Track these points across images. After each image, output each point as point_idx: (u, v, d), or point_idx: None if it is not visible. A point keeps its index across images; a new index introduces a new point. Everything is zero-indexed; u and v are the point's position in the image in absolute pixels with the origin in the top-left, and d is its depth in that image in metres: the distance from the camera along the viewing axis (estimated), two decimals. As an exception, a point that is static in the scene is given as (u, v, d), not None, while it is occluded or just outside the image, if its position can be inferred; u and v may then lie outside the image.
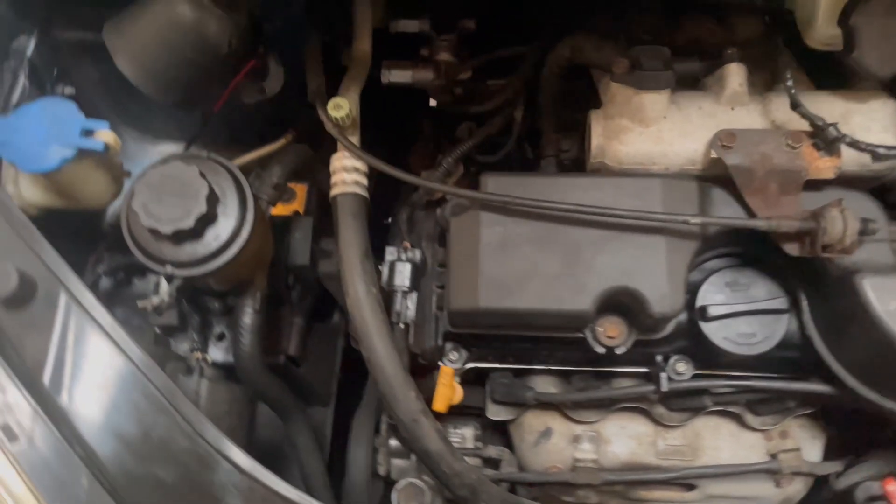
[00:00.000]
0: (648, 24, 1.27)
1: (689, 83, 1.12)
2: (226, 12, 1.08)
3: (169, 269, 1.01)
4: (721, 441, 1.33)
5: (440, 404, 0.99)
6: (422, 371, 1.24)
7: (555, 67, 1.21)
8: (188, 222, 0.96)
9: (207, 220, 1.00)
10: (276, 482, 0.91)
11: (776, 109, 1.06)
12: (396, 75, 1.42)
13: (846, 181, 1.04)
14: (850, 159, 1.01)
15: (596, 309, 1.02)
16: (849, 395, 1.10)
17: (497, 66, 1.37)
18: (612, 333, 1.10)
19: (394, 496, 1.32)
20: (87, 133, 1.01)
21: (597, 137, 1.08)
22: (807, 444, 1.32)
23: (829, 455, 1.33)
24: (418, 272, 1.13)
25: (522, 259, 1.03)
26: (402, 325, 1.11)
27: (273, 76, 1.24)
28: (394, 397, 1.00)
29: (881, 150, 0.95)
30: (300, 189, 1.48)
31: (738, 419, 1.31)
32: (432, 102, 1.60)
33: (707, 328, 1.10)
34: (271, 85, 1.24)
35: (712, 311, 1.09)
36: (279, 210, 1.44)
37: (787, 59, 1.01)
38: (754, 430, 1.32)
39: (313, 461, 1.34)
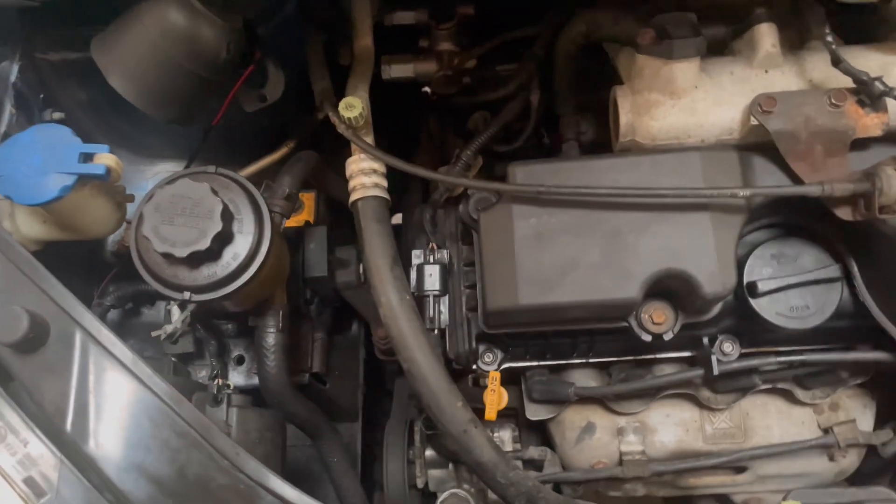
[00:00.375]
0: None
1: (717, 49, 1.06)
2: (220, 16, 1.01)
3: (187, 294, 0.94)
4: (770, 419, 1.29)
5: (491, 412, 0.93)
6: (454, 376, 1.18)
7: (570, 46, 1.15)
8: (204, 243, 0.90)
9: (224, 238, 0.93)
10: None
11: (813, 68, 1.01)
12: (398, 70, 1.36)
13: (894, 139, 0.99)
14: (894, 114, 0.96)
15: (643, 295, 0.97)
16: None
17: (505, 52, 1.31)
18: (658, 319, 1.04)
19: (437, 509, 1.27)
20: (86, 157, 0.94)
21: (625, 114, 1.02)
22: (859, 415, 1.27)
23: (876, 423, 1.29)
24: (447, 274, 1.07)
25: (561, 250, 0.97)
26: (436, 332, 1.05)
27: (273, 81, 1.17)
28: (440, 409, 0.94)
29: (934, 101, 0.89)
30: (307, 198, 1.41)
31: (785, 395, 1.27)
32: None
33: (758, 304, 1.05)
34: (272, 91, 1.17)
35: (762, 287, 1.04)
36: (288, 223, 1.38)
37: (818, 14, 0.95)
38: (804, 404, 1.27)
39: (349, 481, 1.28)
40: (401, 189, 1.37)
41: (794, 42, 1.07)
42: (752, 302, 1.05)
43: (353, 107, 0.99)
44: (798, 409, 1.28)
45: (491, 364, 1.19)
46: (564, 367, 1.28)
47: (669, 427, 1.30)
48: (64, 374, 0.86)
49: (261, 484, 0.86)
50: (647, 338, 1.05)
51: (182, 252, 0.90)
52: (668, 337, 1.05)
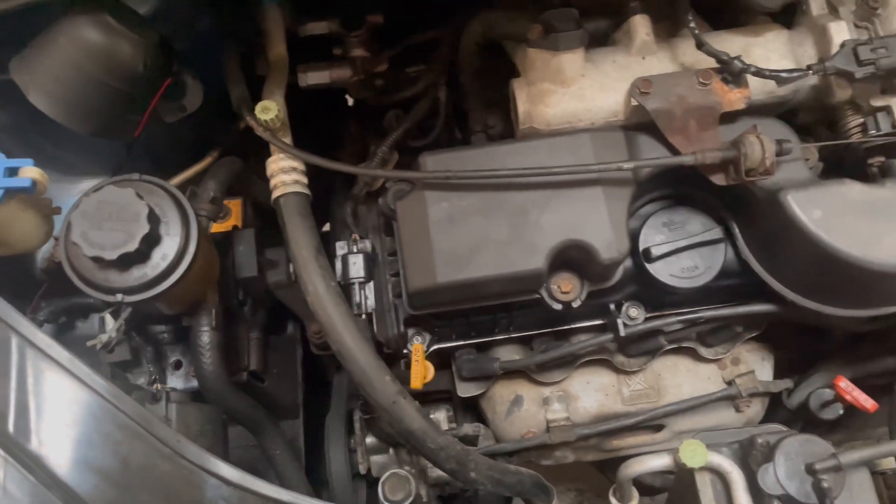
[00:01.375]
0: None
1: (601, 41, 1.17)
2: (136, 32, 1.06)
3: (119, 296, 0.99)
4: (680, 378, 1.40)
5: (416, 381, 1.00)
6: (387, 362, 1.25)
7: (471, 45, 1.25)
8: (133, 245, 0.95)
9: (152, 240, 0.98)
10: (265, 487, 0.91)
11: (683, 53, 1.12)
12: (314, 77, 1.43)
13: (757, 110, 1.12)
14: (757, 89, 1.08)
15: (548, 266, 1.06)
16: (791, 309, 1.18)
17: (413, 54, 1.40)
18: (566, 289, 1.13)
19: (380, 489, 1.33)
20: (11, 172, 0.97)
21: (522, 104, 1.12)
22: (758, 366, 1.40)
23: (778, 376, 1.42)
24: (371, 262, 1.14)
25: (472, 230, 1.05)
26: (363, 316, 1.12)
27: (191, 92, 1.22)
28: (370, 384, 1.01)
29: (783, 74, 1.02)
30: (234, 205, 1.46)
31: (692, 354, 1.38)
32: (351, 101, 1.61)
33: (653, 268, 1.16)
34: (191, 101, 1.22)
35: (655, 252, 1.15)
36: (217, 228, 1.43)
37: (684, 4, 1.07)
38: (708, 361, 1.39)
39: (293, 472, 1.33)
40: (326, 193, 1.44)
41: (669, 31, 1.19)
42: (648, 267, 1.16)
43: (269, 109, 1.05)
44: (704, 366, 1.40)
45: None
46: (490, 345, 1.36)
47: (590, 393, 1.40)
48: (2, 378, 0.89)
49: (203, 468, 0.91)
50: (558, 306, 1.15)
51: (112, 255, 0.94)
52: (576, 304, 1.15)
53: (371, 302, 1.12)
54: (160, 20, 1.19)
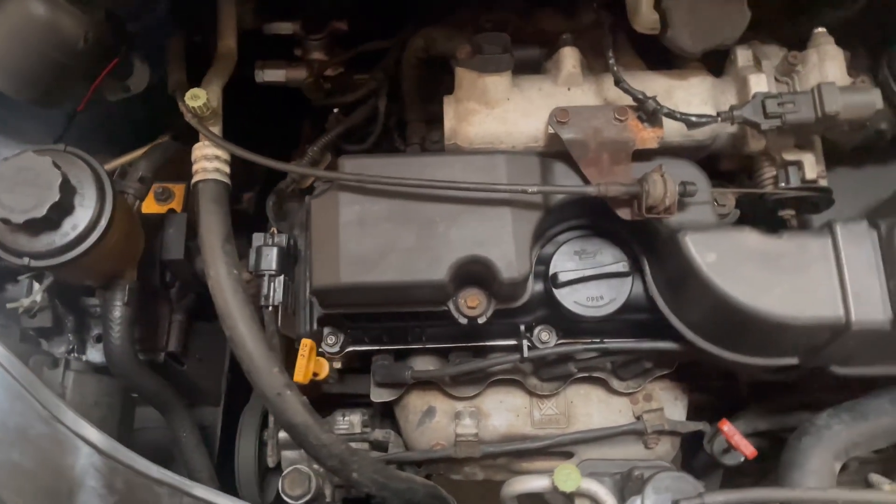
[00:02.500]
0: (503, 17, 1.36)
1: (534, 68, 1.20)
2: (80, 9, 1.09)
3: (26, 260, 1.01)
4: (592, 408, 1.42)
5: (299, 375, 1.02)
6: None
7: (412, 59, 1.28)
8: (40, 211, 0.97)
9: (62, 209, 1.01)
10: (135, 459, 0.93)
11: (608, 88, 1.16)
12: (270, 74, 1.47)
13: (674, 151, 1.15)
14: (674, 130, 1.11)
15: (451, 278, 1.08)
16: (693, 350, 1.20)
17: (369, 61, 1.43)
18: (472, 304, 1.15)
19: (280, 483, 1.35)
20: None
21: (449, 120, 1.15)
22: (670, 405, 1.41)
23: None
24: (285, 256, 1.16)
25: (380, 235, 1.08)
26: (270, 308, 1.14)
27: (138, 74, 1.26)
28: (257, 373, 1.03)
29: (693, 119, 1.05)
30: (178, 189, 1.50)
31: (606, 386, 1.40)
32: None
33: (559, 294, 1.18)
34: (136, 83, 1.26)
35: (562, 278, 1.17)
36: (156, 208, 1.45)
37: (609, 41, 1.10)
38: (621, 394, 1.40)
39: (197, 455, 1.35)
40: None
41: (603, 65, 1.22)
42: (555, 292, 1.18)
43: (198, 97, 1.09)
44: (616, 398, 1.41)
45: (334, 346, 1.28)
46: (408, 354, 1.39)
47: (502, 412, 1.42)
48: None
49: (78, 434, 0.94)
50: (464, 321, 1.17)
51: (18, 218, 0.97)
52: (481, 320, 1.17)
53: (279, 295, 1.14)
54: (118, 1, 1.22)
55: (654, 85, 1.16)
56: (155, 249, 1.31)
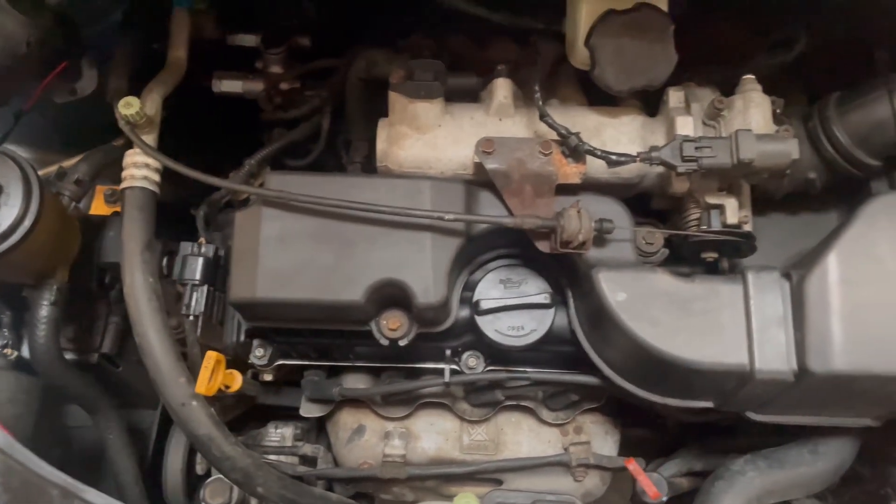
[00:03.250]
0: (457, 45, 1.38)
1: (473, 97, 1.21)
2: (24, 14, 1.12)
3: (-54, 254, 1.03)
4: (522, 436, 1.42)
5: (201, 387, 1.03)
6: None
7: (355, 79, 1.30)
8: (-40, 208, 0.99)
9: (-15, 207, 1.03)
10: (30, 458, 0.93)
11: (539, 121, 1.16)
12: (227, 85, 1.49)
13: (601, 188, 1.15)
14: (601, 167, 1.12)
15: (367, 300, 1.09)
16: (612, 386, 1.20)
17: (325, 78, 1.45)
18: (393, 326, 1.16)
19: (202, 492, 1.35)
20: None
21: (381, 143, 1.16)
22: (600, 439, 1.41)
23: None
24: (211, 267, 1.18)
25: (300, 252, 1.08)
26: (191, 318, 1.15)
27: (86, 78, 1.28)
28: (163, 382, 1.03)
29: (613, 157, 1.05)
30: (128, 192, 1.51)
31: (536, 415, 1.40)
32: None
33: (480, 321, 1.18)
34: (84, 86, 1.28)
35: (484, 305, 1.17)
36: (104, 210, 1.47)
37: (538, 74, 1.11)
38: (551, 425, 1.40)
39: (123, 457, 1.36)
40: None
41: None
42: (477, 319, 1.19)
43: (131, 105, 1.10)
44: (547, 429, 1.41)
45: (262, 359, 1.29)
46: (342, 371, 1.39)
47: (432, 435, 1.42)
48: None
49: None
50: (385, 342, 1.17)
51: (-62, 214, 0.99)
52: (403, 342, 1.17)
53: (201, 305, 1.15)
54: (74, 5, 1.25)
55: (586, 121, 1.17)
56: (94, 251, 1.33)
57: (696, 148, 1.01)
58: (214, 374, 1.05)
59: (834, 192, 1.23)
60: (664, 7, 1.09)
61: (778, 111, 1.14)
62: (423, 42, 1.25)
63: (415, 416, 1.43)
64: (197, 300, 1.15)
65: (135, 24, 1.34)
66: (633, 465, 1.17)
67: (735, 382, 1.03)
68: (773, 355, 0.99)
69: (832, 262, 0.98)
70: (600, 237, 1.08)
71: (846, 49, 1.26)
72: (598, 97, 1.20)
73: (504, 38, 1.39)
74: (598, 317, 1.10)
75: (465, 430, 1.42)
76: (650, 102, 1.22)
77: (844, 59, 1.26)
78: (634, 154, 1.05)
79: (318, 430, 1.52)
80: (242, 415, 1.54)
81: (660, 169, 1.14)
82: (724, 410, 1.15)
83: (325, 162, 1.42)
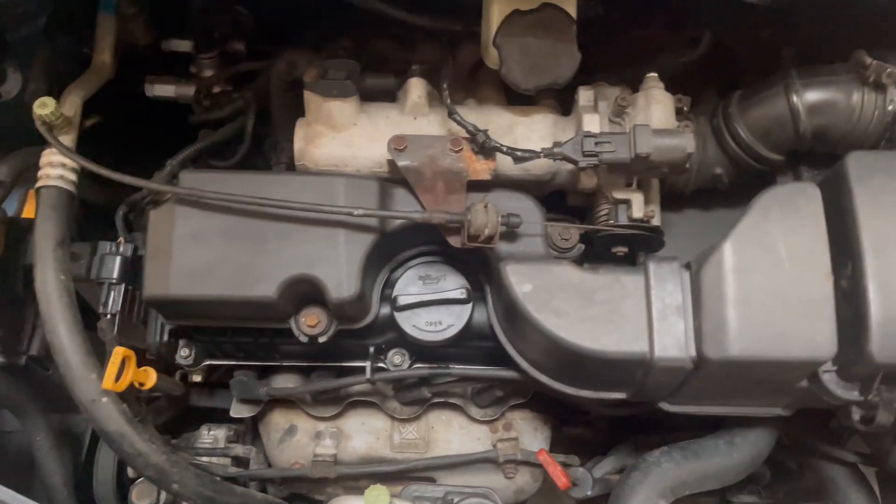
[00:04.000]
0: (384, 47, 1.40)
1: (391, 97, 1.23)
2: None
3: None
4: (452, 434, 1.43)
5: (107, 382, 1.03)
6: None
7: (277, 80, 1.32)
8: None
9: None
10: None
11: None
12: (159, 89, 1.50)
13: (514, 184, 1.17)
14: (512, 164, 1.14)
15: (280, 296, 1.10)
16: (529, 379, 1.21)
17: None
18: (311, 323, 1.17)
19: (130, 493, 1.35)
20: None
21: (298, 141, 1.18)
22: (529, 435, 1.43)
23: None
24: (129, 266, 1.18)
25: (213, 250, 1.10)
26: (108, 316, 1.15)
27: (10, 81, 1.28)
28: (72, 379, 1.04)
29: (518, 153, 1.08)
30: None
31: (466, 413, 1.41)
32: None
33: (399, 317, 1.20)
34: (8, 90, 1.28)
35: (401, 301, 1.19)
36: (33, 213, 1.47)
37: (447, 73, 1.14)
38: (480, 422, 1.41)
39: (50, 460, 1.35)
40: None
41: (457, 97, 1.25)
42: (395, 315, 1.20)
43: (46, 105, 1.11)
44: (477, 426, 1.43)
45: (188, 359, 1.29)
46: (272, 371, 1.40)
47: (363, 434, 1.43)
48: None
49: None
50: (304, 339, 1.18)
51: None
52: (322, 339, 1.19)
53: (118, 304, 1.16)
54: (-1, 9, 1.26)
55: (500, 119, 1.19)
56: (20, 253, 1.33)
57: (597, 143, 1.04)
58: (125, 371, 1.05)
59: (748, 187, 1.26)
60: (573, 8, 1.12)
61: (685, 108, 1.18)
62: (342, 43, 1.27)
63: (347, 416, 1.44)
64: (114, 299, 1.16)
65: (60, 28, 1.35)
66: (544, 456, 1.19)
67: (639, 372, 1.05)
68: (672, 343, 1.01)
69: (727, 252, 1.00)
70: (511, 232, 1.10)
71: (758, 48, 1.30)
72: (518, 98, 1.23)
73: (431, 41, 1.42)
74: (510, 310, 1.12)
75: (397, 429, 1.43)
76: (567, 102, 1.25)
77: (756, 58, 1.30)
78: (538, 150, 1.07)
79: (255, 431, 1.52)
80: (181, 417, 1.55)
81: (570, 165, 1.16)
82: (637, 401, 1.17)
83: (254, 163, 1.43)
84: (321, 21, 1.45)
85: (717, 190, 1.24)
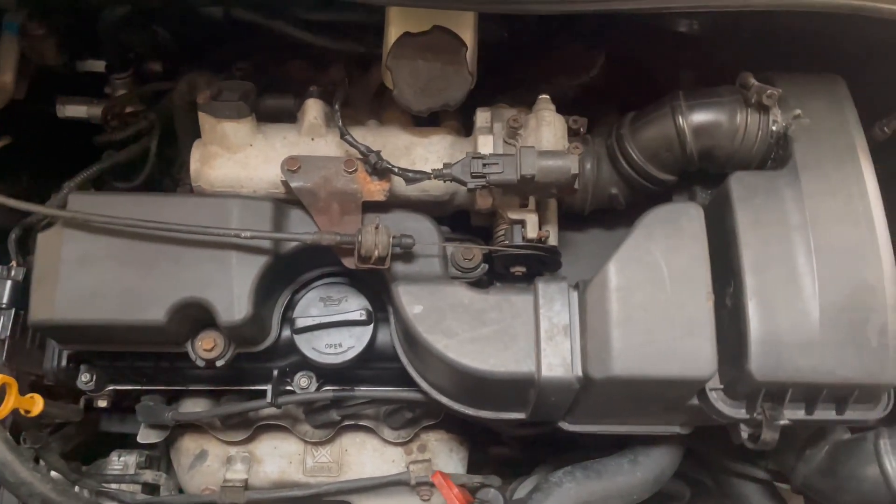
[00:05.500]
0: (297, 69, 1.40)
1: (291, 118, 1.23)
2: None
3: None
4: (366, 457, 1.42)
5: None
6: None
7: (179, 100, 1.31)
8: None
9: None
10: None
11: (351, 141, 1.18)
12: (71, 110, 1.49)
13: (414, 205, 1.17)
14: (412, 185, 1.14)
15: (171, 319, 1.08)
16: (432, 400, 1.21)
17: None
18: (207, 346, 1.15)
19: None
20: None
21: (194, 162, 1.17)
22: (444, 457, 1.42)
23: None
24: (21, 291, 1.16)
25: (101, 273, 1.08)
26: (-3, 341, 1.13)
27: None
28: (-50, 406, 1.01)
29: (410, 174, 1.08)
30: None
31: (379, 435, 1.40)
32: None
33: (298, 340, 1.19)
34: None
35: (300, 323, 1.18)
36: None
37: (341, 94, 1.14)
38: (394, 444, 1.40)
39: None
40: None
41: (351, 117, 1.25)
42: (295, 337, 1.19)
43: (-70, 127, 1.09)
44: (392, 448, 1.42)
45: (89, 384, 1.27)
46: (181, 395, 1.37)
47: (275, 459, 1.41)
48: None
49: None
50: (201, 363, 1.16)
51: None
52: (220, 363, 1.17)
53: (7, 329, 1.13)
54: None
55: (398, 140, 1.19)
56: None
57: (484, 165, 1.04)
58: (6, 398, 1.02)
59: (647, 207, 1.28)
60: (470, 31, 1.13)
61: (582, 129, 1.19)
62: (241, 65, 1.26)
63: (259, 440, 1.42)
64: (3, 324, 1.13)
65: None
66: (437, 479, 1.18)
67: (531, 392, 1.05)
68: (558, 363, 1.01)
69: (611, 271, 1.01)
70: (407, 253, 1.10)
71: (656, 71, 1.32)
72: (423, 119, 1.23)
73: (340, 62, 1.42)
74: (406, 331, 1.11)
75: (310, 453, 1.42)
76: (470, 123, 1.26)
77: (656, 82, 1.32)
78: (429, 171, 1.07)
79: (168, 457, 1.50)
80: (96, 443, 1.52)
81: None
82: (537, 421, 1.17)
83: (161, 184, 1.42)
84: (236, 43, 1.45)
85: (617, 210, 1.25)
